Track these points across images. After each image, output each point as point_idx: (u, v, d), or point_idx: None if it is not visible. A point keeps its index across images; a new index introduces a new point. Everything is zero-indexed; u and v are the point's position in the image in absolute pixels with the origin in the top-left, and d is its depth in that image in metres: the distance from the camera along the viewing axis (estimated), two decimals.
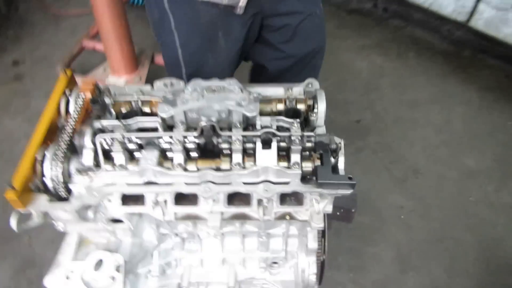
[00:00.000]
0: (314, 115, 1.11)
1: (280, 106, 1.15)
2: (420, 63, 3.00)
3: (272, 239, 1.35)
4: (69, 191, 1.01)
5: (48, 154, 1.00)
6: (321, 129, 1.11)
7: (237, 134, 1.01)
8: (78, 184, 1.00)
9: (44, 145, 1.04)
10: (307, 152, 1.05)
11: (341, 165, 1.03)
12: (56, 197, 1.01)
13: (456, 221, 2.22)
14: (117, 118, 1.10)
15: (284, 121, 1.07)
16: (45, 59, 2.87)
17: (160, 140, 1.03)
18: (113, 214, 1.14)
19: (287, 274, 1.48)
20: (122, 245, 1.24)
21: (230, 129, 1.05)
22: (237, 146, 1.00)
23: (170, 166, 1.03)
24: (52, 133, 1.09)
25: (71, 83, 1.18)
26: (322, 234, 1.42)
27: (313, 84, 1.19)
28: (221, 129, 1.06)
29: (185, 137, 1.02)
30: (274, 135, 1.01)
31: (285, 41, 1.57)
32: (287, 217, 1.22)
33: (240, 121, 1.05)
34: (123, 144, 1.00)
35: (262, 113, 1.14)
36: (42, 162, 0.99)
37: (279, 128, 1.06)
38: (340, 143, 1.04)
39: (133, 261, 1.25)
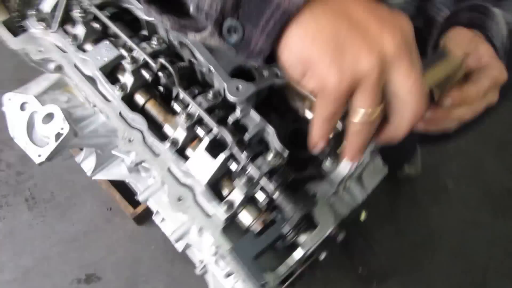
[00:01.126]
0: (330, 160, 0.66)
1: (309, 115, 0.70)
2: None
3: None
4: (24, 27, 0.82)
5: None
6: (323, 188, 0.66)
7: (194, 106, 0.65)
8: (30, 27, 0.80)
9: None
10: (267, 198, 0.65)
11: (289, 261, 0.61)
12: (15, 22, 0.83)
13: None
14: None
15: (274, 139, 0.65)
16: None
17: (122, 41, 0.73)
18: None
19: (227, 281, 1.21)
20: (93, 117, 1.09)
21: (203, 90, 0.68)
22: (183, 120, 0.65)
23: (120, 78, 0.75)
24: None
25: None
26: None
27: None
28: (195, 83, 0.70)
29: (144, 60, 0.70)
30: (234, 146, 0.62)
31: None
32: None
33: (220, 92, 0.67)
34: (85, 15, 0.73)
35: (285, 101, 0.73)
36: None
37: (255, 143, 0.66)
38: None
39: (93, 139, 1.09)
